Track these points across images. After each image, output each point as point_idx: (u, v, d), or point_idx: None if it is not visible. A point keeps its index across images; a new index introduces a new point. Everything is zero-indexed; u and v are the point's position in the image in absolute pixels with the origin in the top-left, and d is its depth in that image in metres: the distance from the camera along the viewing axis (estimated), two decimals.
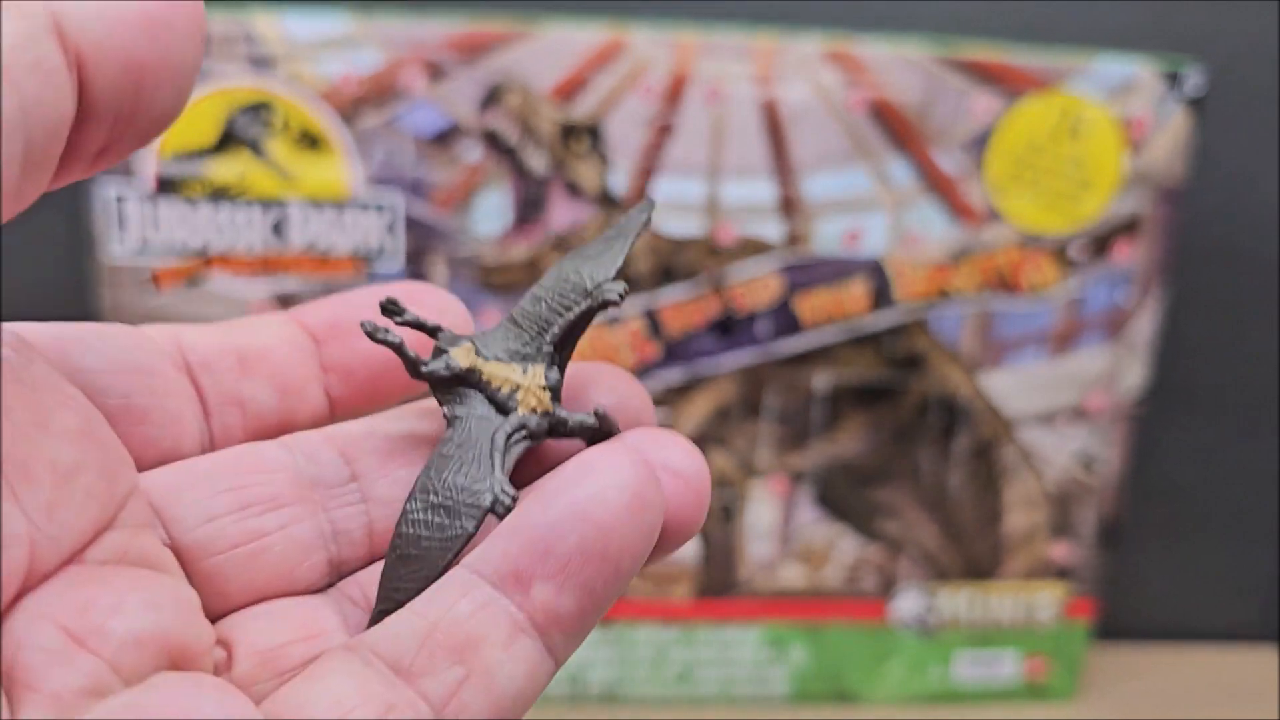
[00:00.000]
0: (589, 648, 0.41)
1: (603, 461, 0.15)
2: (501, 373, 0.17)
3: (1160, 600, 0.49)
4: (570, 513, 0.15)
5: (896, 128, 0.37)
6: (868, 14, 0.41)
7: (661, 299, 0.38)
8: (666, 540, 0.16)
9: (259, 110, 0.34)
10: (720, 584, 0.41)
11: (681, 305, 0.38)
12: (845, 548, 0.41)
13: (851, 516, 0.41)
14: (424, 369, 0.17)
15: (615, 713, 0.42)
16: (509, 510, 0.16)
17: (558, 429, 0.17)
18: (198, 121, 0.34)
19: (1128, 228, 0.38)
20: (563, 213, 0.36)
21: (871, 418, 0.40)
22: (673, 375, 0.38)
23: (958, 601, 0.42)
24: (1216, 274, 0.45)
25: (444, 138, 0.35)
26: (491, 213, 0.36)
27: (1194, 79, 0.37)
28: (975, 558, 0.42)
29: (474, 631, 0.15)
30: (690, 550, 0.41)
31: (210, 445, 0.17)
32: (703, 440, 0.39)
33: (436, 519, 0.16)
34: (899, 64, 0.36)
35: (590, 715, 0.42)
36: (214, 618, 0.16)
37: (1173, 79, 0.37)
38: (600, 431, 0.17)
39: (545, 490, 0.15)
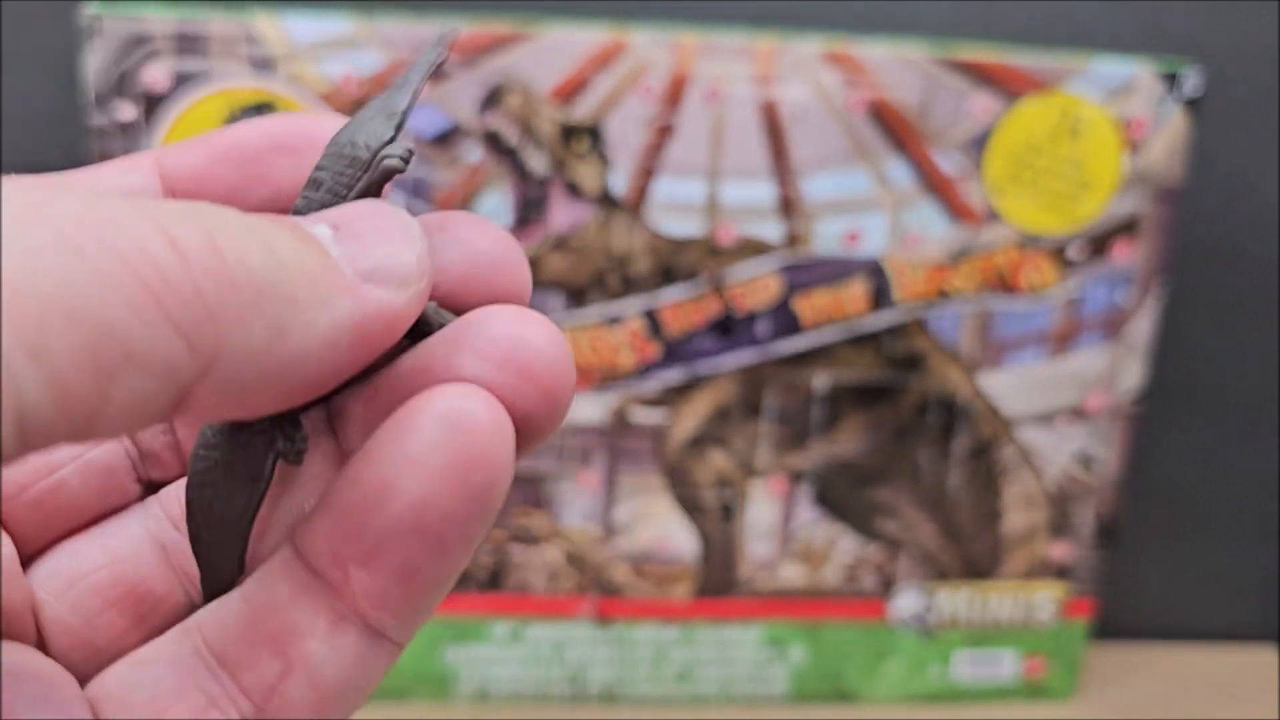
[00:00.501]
0: (589, 647, 0.41)
1: (417, 415, 0.13)
2: None
3: (1159, 600, 0.49)
4: (376, 487, 0.13)
5: (896, 128, 0.37)
6: (867, 16, 0.41)
7: (661, 299, 0.38)
8: (523, 440, 0.14)
9: (260, 111, 0.35)
10: (720, 583, 0.41)
11: (681, 305, 0.38)
12: (844, 547, 0.41)
13: (851, 516, 0.41)
14: None
15: (615, 712, 0.42)
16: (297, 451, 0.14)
17: None
18: (199, 123, 0.34)
19: (1126, 228, 0.38)
20: (563, 213, 0.37)
21: (871, 418, 0.40)
22: (673, 375, 0.38)
23: (957, 601, 0.42)
24: (1215, 274, 0.45)
25: (445, 139, 0.36)
26: (492, 213, 0.36)
27: (1192, 80, 0.37)
28: (974, 557, 0.42)
29: (293, 620, 0.13)
30: (690, 550, 0.41)
31: None
32: (703, 440, 0.39)
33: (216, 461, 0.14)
34: (898, 65, 0.36)
35: (590, 715, 0.42)
36: (23, 561, 0.15)
37: (1171, 80, 0.37)
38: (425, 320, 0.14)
39: (356, 458, 0.13)
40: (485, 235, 0.15)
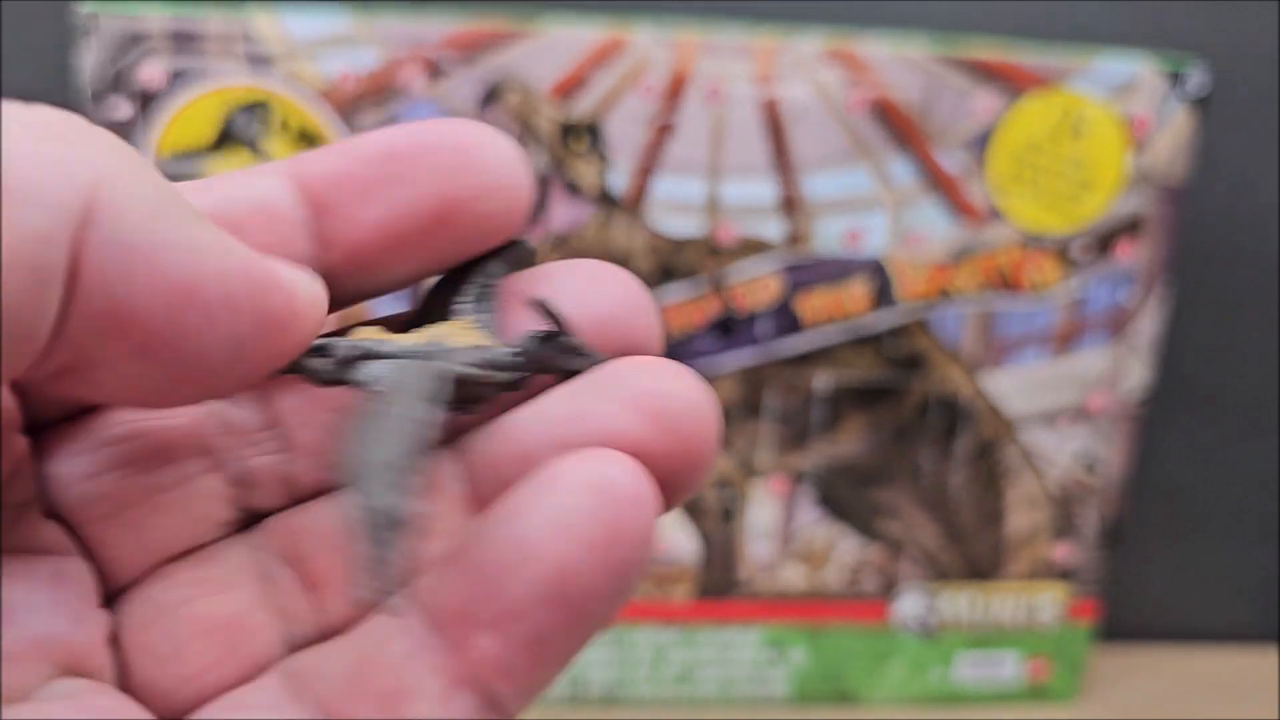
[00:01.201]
0: (588, 649, 0.41)
1: (563, 478, 0.12)
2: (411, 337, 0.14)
3: (1163, 601, 0.49)
4: (513, 548, 0.12)
5: (897, 127, 0.37)
6: (869, 11, 0.41)
7: (662, 299, 0.38)
8: (673, 493, 0.13)
9: (257, 109, 0.34)
10: (720, 585, 0.41)
11: (682, 305, 0.38)
12: (846, 548, 0.41)
13: (852, 517, 0.41)
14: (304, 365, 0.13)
15: (615, 714, 0.42)
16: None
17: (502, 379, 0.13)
18: (195, 121, 0.34)
19: (1130, 227, 0.38)
20: (562, 212, 0.36)
21: (872, 418, 0.40)
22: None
23: (959, 603, 0.42)
24: (1220, 274, 0.45)
25: None
26: None
27: (1197, 78, 0.37)
28: (976, 559, 0.42)
29: (405, 681, 0.12)
30: (690, 551, 0.40)
31: None
32: None
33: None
34: (900, 63, 0.36)
35: (590, 716, 0.41)
36: (106, 590, 0.14)
37: (1175, 78, 0.37)
38: (560, 347, 0.13)
39: (494, 512, 0.12)
40: (617, 284, 0.14)
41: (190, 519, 0.14)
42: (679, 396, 0.13)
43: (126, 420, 0.14)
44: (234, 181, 0.14)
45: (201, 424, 0.14)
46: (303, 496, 0.15)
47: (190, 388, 0.12)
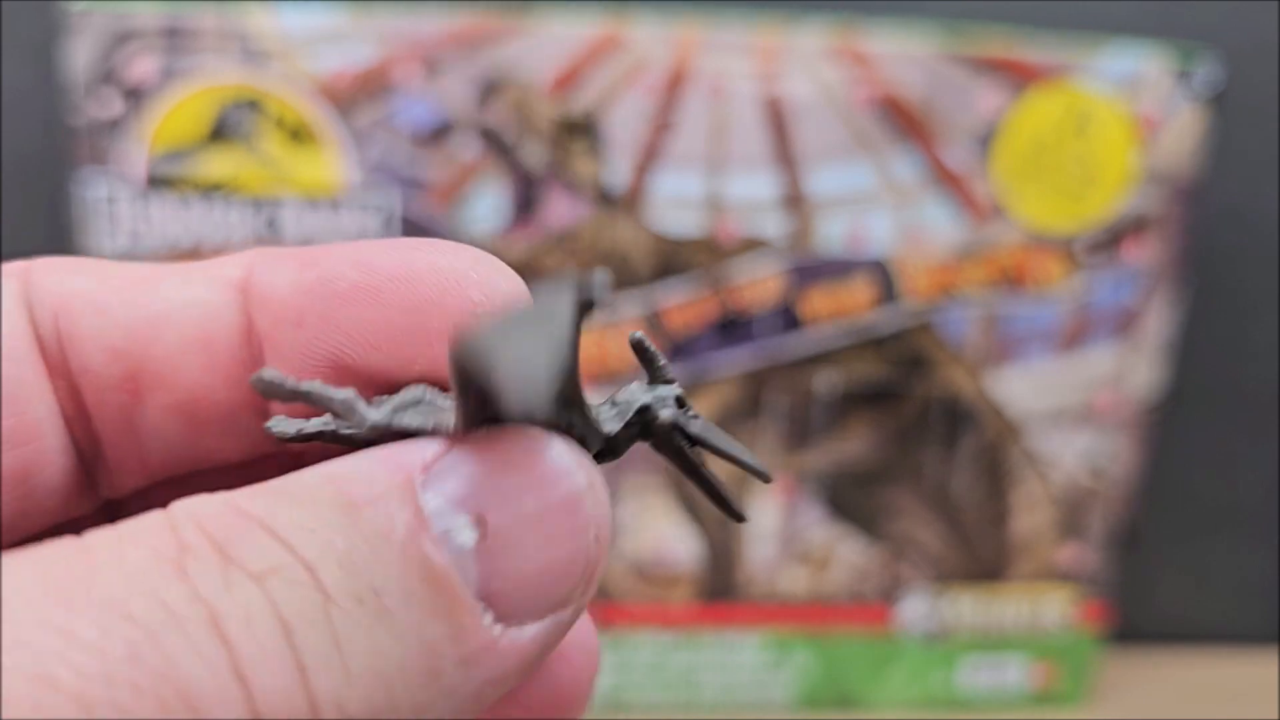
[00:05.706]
0: None
1: None
2: None
3: (1176, 604, 0.48)
4: None
5: (902, 123, 0.36)
6: (873, 2, 0.40)
7: (664, 299, 0.37)
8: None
9: (251, 105, 0.34)
10: (722, 588, 0.40)
11: (684, 305, 0.37)
12: (849, 551, 0.40)
13: (856, 519, 0.40)
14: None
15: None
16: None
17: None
18: (188, 117, 0.34)
19: (1138, 226, 0.38)
20: (560, 210, 0.36)
21: (876, 418, 0.39)
22: (675, 375, 0.38)
23: (965, 606, 0.42)
24: (1234, 275, 0.44)
25: (439, 133, 0.35)
26: (487, 210, 0.36)
27: (1208, 71, 0.36)
28: (983, 561, 0.41)
29: None
30: (691, 554, 0.40)
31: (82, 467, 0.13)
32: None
33: None
34: (904, 59, 0.35)
35: None
36: None
37: (1186, 71, 0.36)
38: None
39: None
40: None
41: (41, 516, 0.13)
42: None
43: None
44: (173, 287, 0.13)
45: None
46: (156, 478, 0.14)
47: None
